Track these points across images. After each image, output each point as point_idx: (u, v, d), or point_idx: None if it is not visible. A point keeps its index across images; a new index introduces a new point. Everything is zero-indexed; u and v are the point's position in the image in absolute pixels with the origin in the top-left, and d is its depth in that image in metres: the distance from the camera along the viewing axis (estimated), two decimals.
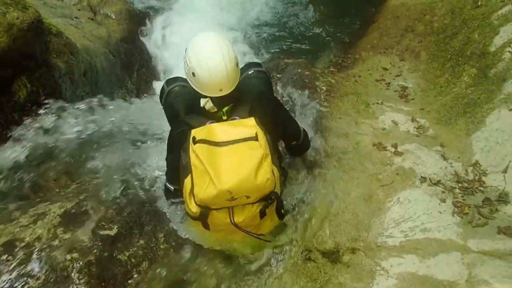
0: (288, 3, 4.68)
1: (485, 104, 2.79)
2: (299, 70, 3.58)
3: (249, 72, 2.19)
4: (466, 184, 2.40)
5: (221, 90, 1.98)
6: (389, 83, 3.54)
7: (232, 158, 1.83)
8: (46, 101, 2.62)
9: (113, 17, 4.00)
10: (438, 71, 3.45)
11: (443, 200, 2.29)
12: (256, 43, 4.26)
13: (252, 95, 2.09)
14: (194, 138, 1.88)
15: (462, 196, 2.32)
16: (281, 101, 2.72)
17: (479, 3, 3.54)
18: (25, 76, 2.63)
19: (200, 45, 1.96)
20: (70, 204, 2.07)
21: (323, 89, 3.28)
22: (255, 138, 1.86)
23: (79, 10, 3.84)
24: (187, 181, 1.92)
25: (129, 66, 3.88)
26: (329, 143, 2.80)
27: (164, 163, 2.17)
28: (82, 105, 2.70)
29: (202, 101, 2.01)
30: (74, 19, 3.68)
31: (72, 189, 2.32)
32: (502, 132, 2.56)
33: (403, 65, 3.72)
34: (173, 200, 2.18)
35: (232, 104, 2.03)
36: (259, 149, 1.85)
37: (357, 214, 2.31)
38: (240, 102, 2.05)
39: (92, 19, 3.84)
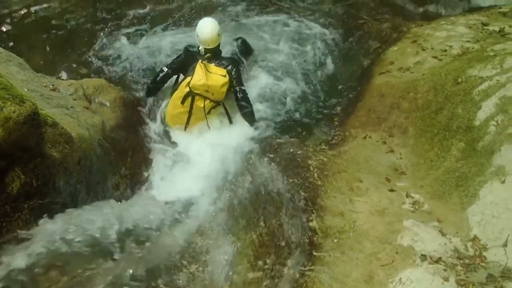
0: (276, 86, 4.84)
1: (476, 177, 2.82)
2: (292, 150, 3.63)
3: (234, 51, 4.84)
4: (467, 261, 2.36)
5: (208, 45, 4.24)
6: (380, 159, 3.59)
7: (215, 77, 4.04)
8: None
9: (108, 105, 4.10)
10: (427, 145, 3.52)
11: (446, 279, 2.24)
12: (246, 126, 4.35)
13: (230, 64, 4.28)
14: (198, 63, 4.05)
15: (465, 273, 2.27)
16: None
17: (459, 80, 3.70)
18: (19, 168, 2.63)
19: (202, 23, 4.25)
20: None
21: (315, 167, 3.31)
22: (225, 76, 4.09)
23: (74, 99, 3.94)
24: (188, 78, 4.06)
25: (123, 152, 3.92)
26: (326, 222, 2.79)
27: None
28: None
29: (201, 49, 4.28)
30: (70, 108, 3.76)
31: None
32: (497, 205, 2.57)
33: (392, 141, 3.80)
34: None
35: (213, 54, 4.26)
36: (226, 79, 4.08)
37: None
38: (218, 58, 4.29)
39: (87, 108, 3.92)
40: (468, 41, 4.50)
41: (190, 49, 4.39)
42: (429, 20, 5.49)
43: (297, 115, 4.63)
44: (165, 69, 4.37)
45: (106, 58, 4.93)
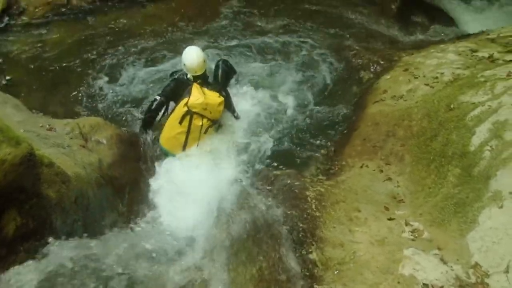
0: (271, 118, 4.89)
1: (474, 203, 2.82)
2: (289, 181, 3.63)
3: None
4: None
5: (196, 72, 4.36)
6: (378, 188, 3.59)
7: (212, 96, 4.21)
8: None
9: (104, 142, 4.11)
10: (424, 172, 3.53)
11: None
12: (243, 158, 4.36)
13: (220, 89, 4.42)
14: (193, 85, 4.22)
15: None
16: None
17: (452, 106, 3.74)
18: (15, 209, 2.62)
19: (188, 51, 4.38)
20: None
21: (313, 198, 3.30)
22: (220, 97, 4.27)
23: (71, 138, 3.95)
24: (185, 99, 4.18)
25: (120, 189, 3.91)
26: (326, 254, 2.76)
27: None
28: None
29: (189, 76, 4.39)
30: (66, 147, 3.77)
31: None
32: (496, 230, 2.56)
33: (389, 169, 3.80)
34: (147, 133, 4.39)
35: (202, 80, 4.38)
36: (222, 98, 4.25)
37: None
38: (207, 84, 4.42)
39: (83, 147, 3.93)
40: (459, 68, 4.57)
41: (179, 76, 4.52)
42: (419, 49, 5.59)
43: (293, 145, 4.64)
44: (158, 98, 4.38)
45: (102, 96, 4.99)
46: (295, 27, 6.35)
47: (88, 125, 4.15)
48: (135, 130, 4.59)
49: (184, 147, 4.38)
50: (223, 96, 4.33)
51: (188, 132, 4.29)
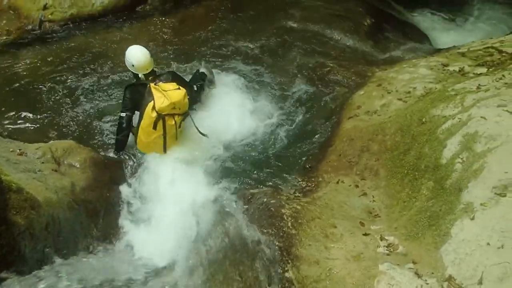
0: (247, 135, 4.89)
1: (447, 215, 2.83)
2: (265, 200, 3.61)
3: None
4: None
5: (147, 69, 4.38)
6: (354, 203, 3.59)
7: (174, 93, 4.14)
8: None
9: (78, 166, 4.04)
10: (398, 186, 3.55)
11: None
12: (219, 177, 4.33)
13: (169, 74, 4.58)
14: (151, 86, 4.17)
15: None
16: None
17: (423, 120, 3.79)
18: None
19: (133, 51, 4.35)
20: None
21: (289, 216, 3.29)
22: (179, 88, 4.24)
23: (42, 163, 3.88)
24: (150, 104, 4.12)
25: (94, 213, 3.84)
26: (302, 272, 2.74)
27: None
28: None
29: (141, 76, 4.38)
30: (37, 172, 3.70)
31: None
32: (469, 242, 2.57)
33: (364, 184, 3.82)
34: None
35: (153, 75, 4.43)
36: (183, 90, 4.22)
37: None
38: (157, 76, 4.46)
39: (55, 171, 3.86)
40: (431, 82, 4.65)
41: (131, 85, 4.46)
42: (392, 64, 5.69)
43: (269, 162, 4.63)
44: (124, 114, 4.35)
45: (75, 119, 4.91)
46: (271, 45, 6.39)
47: (60, 149, 4.10)
48: (110, 152, 4.52)
49: (164, 149, 4.39)
50: (177, 81, 4.41)
51: (164, 134, 4.27)
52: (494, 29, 8.58)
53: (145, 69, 4.37)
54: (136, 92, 4.34)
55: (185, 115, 4.35)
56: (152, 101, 4.10)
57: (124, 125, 4.37)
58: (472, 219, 2.66)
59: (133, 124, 4.46)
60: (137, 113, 4.40)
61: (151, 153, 4.39)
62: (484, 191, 2.79)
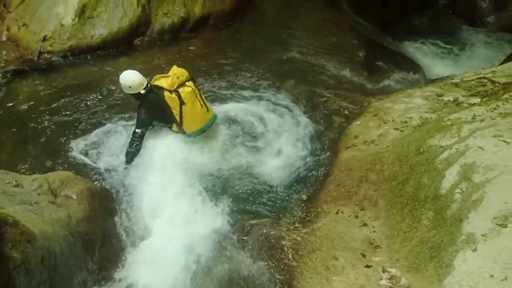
0: (245, 165, 4.88)
1: (449, 246, 2.82)
2: (264, 231, 3.59)
3: None
4: None
5: (142, 84, 4.63)
6: (354, 234, 3.57)
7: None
8: None
9: (74, 197, 4.00)
10: (398, 216, 3.54)
11: None
12: (217, 207, 4.31)
13: None
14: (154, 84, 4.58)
15: None
16: None
17: (421, 150, 3.82)
18: None
19: (124, 76, 4.64)
20: None
21: (290, 248, 3.25)
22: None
23: (39, 194, 3.84)
24: (166, 93, 4.48)
25: (90, 245, 3.77)
26: None
27: None
28: None
29: (142, 91, 4.67)
30: (34, 204, 3.66)
31: None
32: (472, 274, 2.55)
33: (364, 214, 3.80)
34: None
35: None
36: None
37: None
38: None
39: (52, 202, 3.82)
40: (426, 112, 4.71)
41: (143, 101, 4.67)
42: (388, 94, 5.76)
43: (268, 193, 4.60)
44: (139, 131, 4.64)
45: (73, 150, 4.87)
46: (267, 76, 6.45)
47: (57, 180, 4.06)
48: (106, 183, 4.49)
49: (207, 108, 4.75)
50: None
51: (198, 96, 4.63)
52: (485, 58, 8.77)
53: (142, 86, 4.63)
54: (150, 102, 4.61)
55: (192, 78, 4.69)
56: (164, 91, 4.45)
57: (137, 140, 4.63)
58: (474, 250, 2.64)
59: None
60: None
61: (202, 125, 4.69)
62: (485, 222, 2.78)
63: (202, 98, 4.74)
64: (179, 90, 4.49)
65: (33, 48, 6.64)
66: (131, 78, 4.61)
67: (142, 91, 4.64)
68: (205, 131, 4.81)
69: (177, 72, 4.57)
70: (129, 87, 4.62)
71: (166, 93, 4.46)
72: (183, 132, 4.69)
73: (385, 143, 4.38)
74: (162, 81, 4.49)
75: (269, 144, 5.20)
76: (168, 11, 7.62)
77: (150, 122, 4.71)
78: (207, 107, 4.76)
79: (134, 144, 4.63)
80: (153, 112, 4.65)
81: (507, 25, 10.29)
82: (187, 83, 4.57)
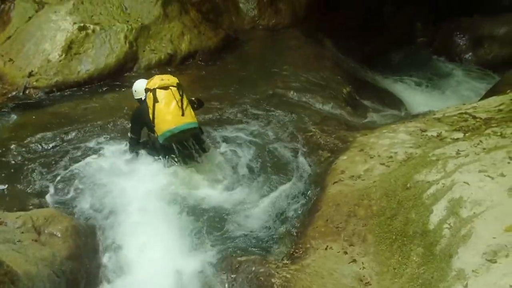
0: (232, 202, 4.86)
1: (439, 283, 2.82)
2: (253, 268, 3.55)
3: None
4: None
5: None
6: (344, 270, 3.54)
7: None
8: None
9: (59, 235, 3.92)
10: (388, 252, 3.53)
11: None
12: (204, 244, 4.25)
13: None
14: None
15: None
16: None
17: (408, 185, 3.86)
18: None
19: (137, 81, 5.14)
20: None
21: (280, 286, 3.22)
22: None
23: (22, 233, 3.76)
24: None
25: (74, 285, 3.67)
26: None
27: None
28: None
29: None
30: (17, 242, 3.59)
31: None
32: None
33: (353, 250, 3.79)
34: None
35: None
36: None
37: None
38: None
39: (36, 241, 3.74)
40: (411, 147, 4.78)
41: (135, 113, 5.00)
42: (372, 129, 5.85)
43: (256, 229, 4.57)
44: (130, 135, 5.03)
45: (58, 186, 4.82)
46: (253, 112, 6.52)
47: (41, 217, 3.99)
48: (91, 219, 4.42)
49: (183, 113, 4.61)
50: None
51: (176, 100, 4.61)
52: (465, 93, 9.07)
53: (144, 93, 4.88)
54: (139, 107, 4.90)
55: (181, 87, 4.69)
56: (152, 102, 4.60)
57: (131, 144, 5.08)
58: (465, 286, 2.65)
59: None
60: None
61: (171, 126, 4.56)
62: (475, 257, 2.80)
63: (183, 104, 4.61)
64: (156, 89, 4.58)
65: (19, 84, 6.66)
66: (138, 84, 5.05)
67: (143, 98, 4.82)
68: (178, 137, 4.67)
69: (164, 77, 4.73)
70: (135, 91, 5.07)
71: (148, 94, 4.65)
72: (156, 137, 4.68)
73: (372, 178, 4.42)
74: (148, 82, 4.75)
75: (257, 180, 5.21)
76: (155, 48, 7.74)
77: (138, 128, 4.94)
78: (184, 112, 4.59)
79: (130, 148, 5.08)
80: (140, 116, 4.83)
81: (484, 61, 10.71)
82: (171, 87, 4.62)
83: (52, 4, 7.69)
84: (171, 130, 4.56)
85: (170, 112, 4.54)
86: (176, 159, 4.86)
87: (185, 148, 4.80)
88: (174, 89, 4.63)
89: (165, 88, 4.59)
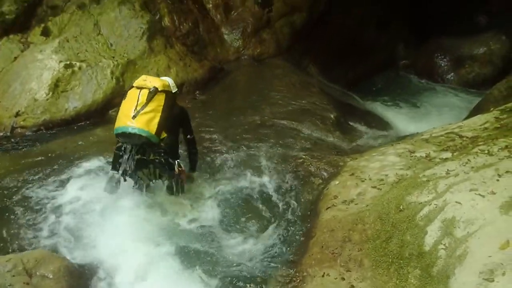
0: (226, 232, 4.83)
1: None
2: None
3: None
4: None
5: None
6: None
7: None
8: None
9: (51, 276, 3.85)
10: (385, 276, 3.52)
11: None
12: (199, 275, 4.20)
13: None
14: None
15: None
16: None
17: (401, 207, 3.88)
18: None
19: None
20: None
21: None
22: None
23: (13, 276, 3.69)
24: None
25: None
26: None
27: None
28: None
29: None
30: (8, 287, 3.50)
31: None
32: None
33: (350, 275, 3.76)
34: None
35: None
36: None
37: None
38: None
39: (27, 284, 3.67)
40: (401, 169, 4.81)
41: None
42: (362, 153, 5.90)
43: (251, 258, 4.54)
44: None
45: (48, 226, 4.74)
46: (242, 140, 6.52)
47: (32, 259, 3.92)
48: (84, 259, 4.34)
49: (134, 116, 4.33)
50: None
51: (137, 103, 4.37)
52: (449, 113, 9.24)
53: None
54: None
55: (152, 92, 4.38)
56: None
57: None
58: None
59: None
60: None
61: (118, 125, 4.41)
62: (472, 277, 2.80)
63: (141, 109, 4.31)
64: (133, 87, 4.52)
65: (6, 124, 6.62)
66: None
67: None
68: (124, 140, 4.48)
69: (149, 78, 4.60)
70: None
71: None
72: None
73: (364, 201, 4.43)
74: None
75: (250, 209, 5.19)
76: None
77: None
78: (136, 116, 4.30)
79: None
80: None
81: (466, 81, 10.97)
82: (149, 90, 4.37)
83: (37, 44, 7.75)
84: (116, 129, 4.42)
85: (123, 111, 4.44)
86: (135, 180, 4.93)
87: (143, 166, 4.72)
88: (145, 91, 4.38)
89: (141, 88, 4.43)
